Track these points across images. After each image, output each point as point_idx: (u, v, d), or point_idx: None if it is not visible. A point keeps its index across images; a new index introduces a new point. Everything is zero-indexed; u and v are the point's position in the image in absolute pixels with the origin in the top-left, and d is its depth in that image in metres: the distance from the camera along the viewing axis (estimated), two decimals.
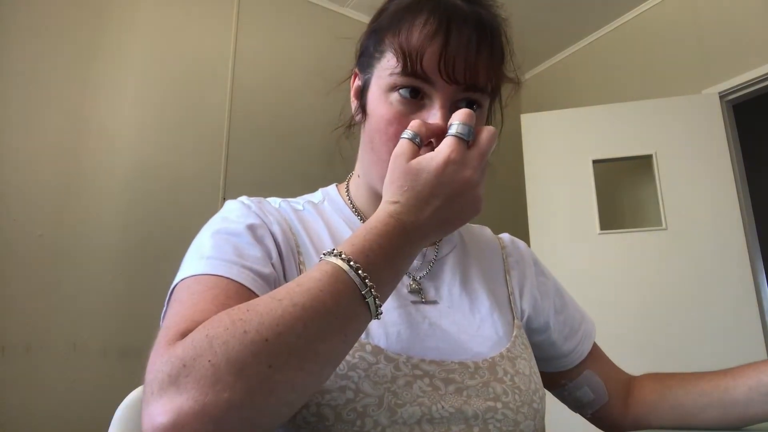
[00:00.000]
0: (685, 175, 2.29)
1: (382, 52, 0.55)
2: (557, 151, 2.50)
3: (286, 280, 0.53)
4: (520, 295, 0.67)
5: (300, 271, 0.55)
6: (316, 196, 0.66)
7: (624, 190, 2.75)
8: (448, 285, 0.62)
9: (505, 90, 0.63)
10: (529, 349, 0.61)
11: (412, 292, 0.59)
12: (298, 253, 0.56)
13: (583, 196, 2.41)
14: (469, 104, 0.54)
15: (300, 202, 0.64)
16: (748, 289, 2.10)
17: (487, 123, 0.63)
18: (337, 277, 0.39)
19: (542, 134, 2.55)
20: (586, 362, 0.68)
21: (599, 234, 2.35)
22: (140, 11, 2.17)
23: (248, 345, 0.34)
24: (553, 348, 0.68)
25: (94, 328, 1.83)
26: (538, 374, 0.59)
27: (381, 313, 0.42)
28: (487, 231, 0.75)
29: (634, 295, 2.23)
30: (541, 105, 3.14)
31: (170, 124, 2.15)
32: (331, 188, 0.67)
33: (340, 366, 0.48)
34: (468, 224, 0.73)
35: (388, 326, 0.53)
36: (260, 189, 2.30)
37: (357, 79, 0.61)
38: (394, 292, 0.57)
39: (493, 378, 0.53)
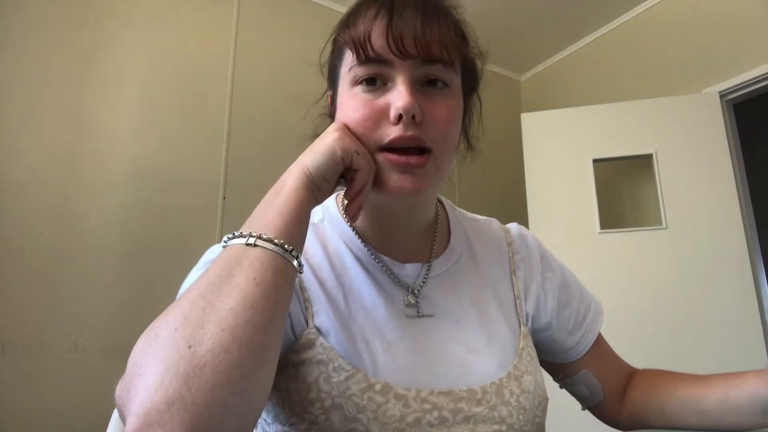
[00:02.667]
0: (685, 174, 2.29)
1: (341, 56, 0.56)
2: (557, 150, 2.50)
3: (290, 315, 0.53)
4: (525, 298, 0.66)
5: (304, 307, 0.54)
6: (316, 214, 0.64)
7: (624, 190, 2.75)
8: (456, 298, 0.60)
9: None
10: (535, 359, 0.61)
11: (409, 306, 0.58)
12: (301, 288, 0.55)
13: (583, 196, 2.40)
14: (432, 81, 0.53)
15: None
16: (748, 289, 2.09)
17: (467, 109, 0.62)
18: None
19: (542, 134, 2.55)
20: (585, 361, 0.68)
21: (599, 234, 2.34)
22: (140, 11, 2.17)
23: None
24: (556, 344, 0.68)
25: (94, 328, 1.83)
26: (543, 384, 0.59)
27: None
28: (495, 225, 0.72)
29: (634, 295, 2.23)
30: (541, 105, 3.14)
31: (170, 123, 2.15)
32: (331, 202, 0.65)
33: (350, 408, 0.48)
34: (475, 218, 0.72)
35: (397, 358, 0.53)
36: (260, 189, 2.29)
37: (330, 99, 0.62)
38: (395, 310, 0.57)
39: (500, 401, 0.53)
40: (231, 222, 2.15)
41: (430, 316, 0.58)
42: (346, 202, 0.65)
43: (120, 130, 2.03)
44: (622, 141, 2.41)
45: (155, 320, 0.39)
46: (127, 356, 0.38)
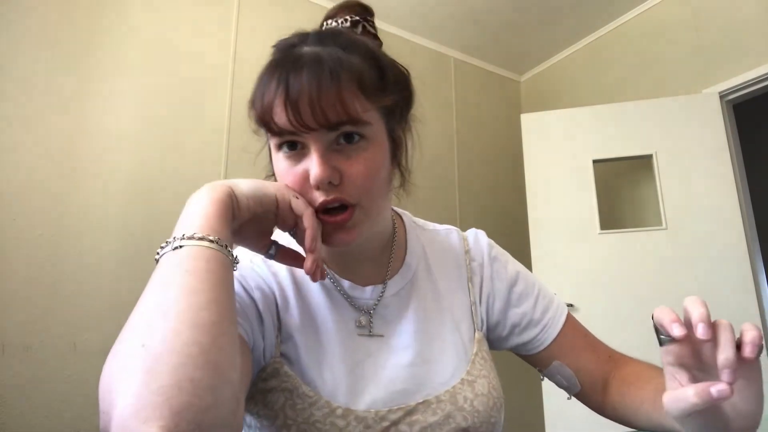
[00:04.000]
0: (685, 175, 2.29)
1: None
2: (557, 151, 2.50)
3: (264, 341, 0.56)
4: (480, 302, 0.69)
5: (275, 334, 0.57)
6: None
7: (624, 190, 2.75)
8: (411, 314, 0.63)
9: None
10: (489, 362, 0.64)
11: (360, 327, 0.60)
12: (278, 318, 0.58)
13: (583, 196, 2.41)
14: (348, 137, 0.52)
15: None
16: (748, 289, 2.10)
17: (397, 144, 0.60)
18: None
19: (542, 134, 2.55)
20: (553, 353, 0.68)
21: (599, 234, 2.35)
22: (140, 12, 2.17)
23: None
24: (508, 341, 0.70)
25: (94, 328, 1.83)
26: (498, 386, 0.62)
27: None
28: (453, 234, 0.74)
29: (634, 295, 2.23)
30: (541, 105, 3.14)
31: (170, 124, 2.15)
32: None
33: None
34: (436, 229, 0.74)
35: (357, 381, 0.56)
36: None
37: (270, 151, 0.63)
38: (352, 332, 0.60)
39: (454, 408, 0.57)
40: None
41: (381, 335, 0.61)
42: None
43: (120, 130, 2.03)
44: (622, 141, 2.41)
45: None
46: None
